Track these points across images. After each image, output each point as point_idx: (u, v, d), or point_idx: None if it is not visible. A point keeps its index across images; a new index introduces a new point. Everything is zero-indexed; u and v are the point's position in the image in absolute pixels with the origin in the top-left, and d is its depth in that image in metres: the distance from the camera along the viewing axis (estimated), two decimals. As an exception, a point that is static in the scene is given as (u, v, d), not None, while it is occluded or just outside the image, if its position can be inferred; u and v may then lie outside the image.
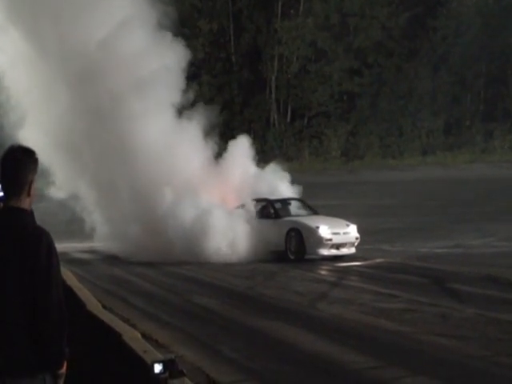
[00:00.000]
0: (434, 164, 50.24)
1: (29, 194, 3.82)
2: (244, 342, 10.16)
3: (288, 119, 57.58)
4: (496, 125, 52.93)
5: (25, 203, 3.82)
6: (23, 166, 3.81)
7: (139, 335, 6.55)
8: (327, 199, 31.24)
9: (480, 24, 54.39)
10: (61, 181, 21.56)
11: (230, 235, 19.81)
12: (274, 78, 57.21)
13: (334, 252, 19.39)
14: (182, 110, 22.00)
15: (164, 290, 15.46)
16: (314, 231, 19.26)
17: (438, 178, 44.09)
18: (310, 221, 19.84)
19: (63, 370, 3.82)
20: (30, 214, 3.86)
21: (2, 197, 3.82)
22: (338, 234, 19.44)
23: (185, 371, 4.64)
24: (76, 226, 24.23)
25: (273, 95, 57.41)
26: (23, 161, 3.82)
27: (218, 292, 14.95)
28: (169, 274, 18.03)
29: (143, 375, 4.89)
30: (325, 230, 19.26)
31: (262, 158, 22.89)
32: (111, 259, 20.62)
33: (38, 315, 3.67)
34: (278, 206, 20.85)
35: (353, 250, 19.69)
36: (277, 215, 20.42)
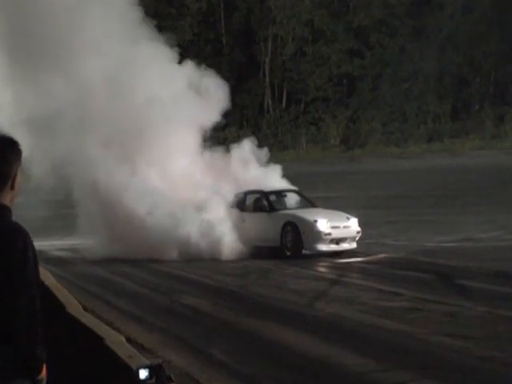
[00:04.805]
0: (440, 151, 50.31)
1: (12, 188, 3.81)
2: (236, 345, 10.18)
3: (283, 105, 57.64)
4: (507, 108, 53.01)
5: (5, 198, 3.81)
6: (7, 158, 3.79)
7: (123, 339, 6.55)
8: (326, 190, 31.24)
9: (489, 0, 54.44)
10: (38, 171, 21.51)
11: (219, 229, 19.94)
12: (267, 60, 57.24)
13: (333, 247, 19.41)
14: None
15: (150, 290, 15.47)
16: (311, 225, 19.27)
17: (444, 166, 44.15)
18: (308, 214, 19.85)
19: (42, 375, 3.82)
20: (8, 209, 3.84)
21: None
22: (338, 228, 19.46)
23: (173, 377, 4.64)
24: (55, 222, 24.24)
25: (267, 79, 57.44)
26: (7, 152, 3.81)
27: (208, 291, 14.97)
28: (154, 273, 18.04)
29: (128, 382, 4.89)
30: (323, 224, 19.27)
31: (256, 146, 22.92)
32: (93, 258, 20.59)
33: (6, 318, 3.66)
34: (272, 198, 20.86)
35: (354, 245, 19.72)
36: (271, 208, 20.43)
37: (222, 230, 20.04)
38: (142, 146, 20.96)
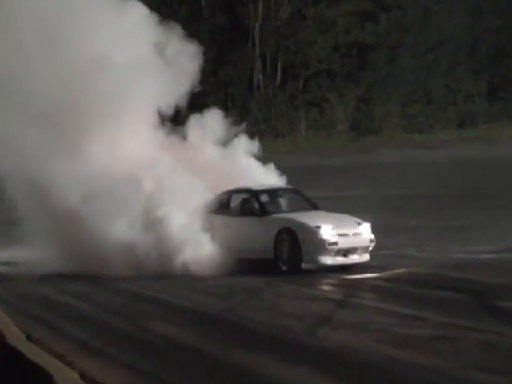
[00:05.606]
0: (474, 139, 50.44)
1: None
2: (219, 383, 10.18)
3: (277, 81, 57.67)
4: (557, 86, 53.22)
5: None
6: None
7: (77, 376, 6.57)
8: (331, 189, 31.30)
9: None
10: None
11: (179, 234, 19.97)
12: (257, 26, 57.25)
13: (340, 260, 19.44)
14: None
15: (111, 315, 15.48)
16: (313, 232, 19.29)
17: (479, 158, 44.27)
18: (308, 218, 19.87)
19: None
20: None
21: None
22: (346, 236, 19.49)
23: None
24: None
25: (257, 49, 57.47)
26: None
27: (184, 316, 15.01)
28: (117, 293, 18.06)
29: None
30: (328, 231, 19.29)
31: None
32: (37, 273, 20.58)
33: None
34: (264, 198, 20.85)
35: (366, 257, 19.76)
36: (263, 211, 20.42)
37: (186, 235, 19.97)
38: (86, 125, 20.83)
